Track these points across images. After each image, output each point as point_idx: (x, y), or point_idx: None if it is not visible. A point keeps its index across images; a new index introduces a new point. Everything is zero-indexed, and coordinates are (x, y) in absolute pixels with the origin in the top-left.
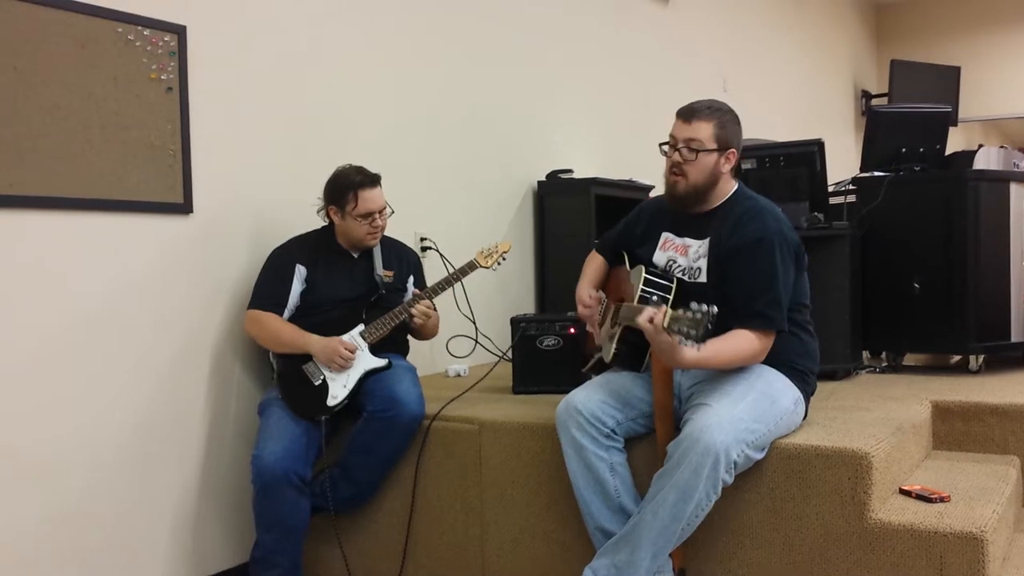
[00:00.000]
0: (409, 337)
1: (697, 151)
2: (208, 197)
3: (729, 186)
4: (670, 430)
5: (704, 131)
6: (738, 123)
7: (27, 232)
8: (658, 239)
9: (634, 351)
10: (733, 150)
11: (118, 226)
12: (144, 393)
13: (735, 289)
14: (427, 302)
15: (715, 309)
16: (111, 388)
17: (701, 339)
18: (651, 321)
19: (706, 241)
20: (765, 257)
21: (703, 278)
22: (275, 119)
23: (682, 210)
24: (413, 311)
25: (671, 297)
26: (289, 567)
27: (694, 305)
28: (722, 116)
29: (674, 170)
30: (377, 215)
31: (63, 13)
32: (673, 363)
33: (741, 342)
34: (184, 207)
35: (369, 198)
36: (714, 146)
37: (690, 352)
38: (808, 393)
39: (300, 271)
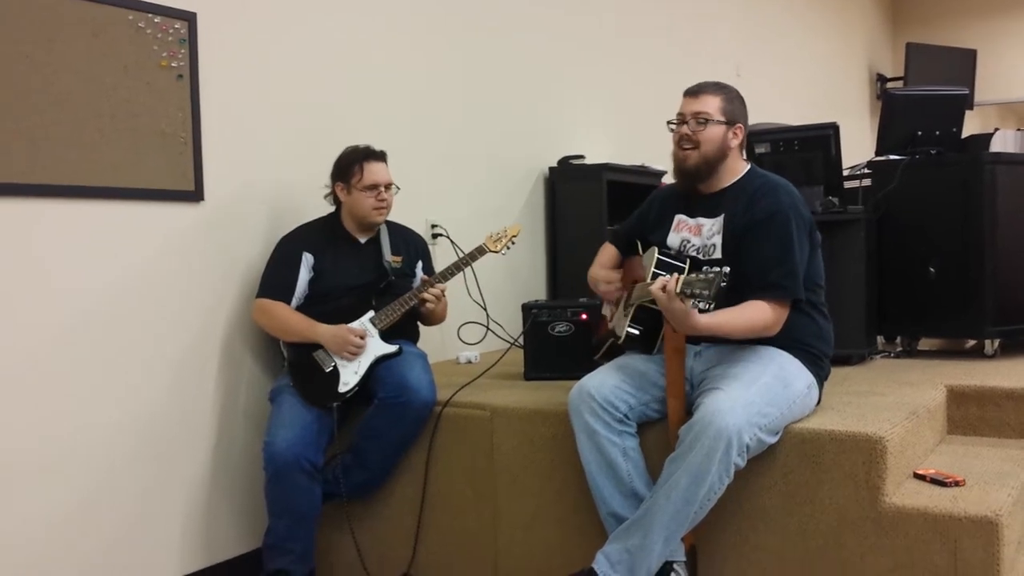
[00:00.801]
0: (418, 323)
1: (707, 120)
2: (219, 184)
3: (740, 165)
4: (682, 410)
5: (712, 104)
6: (743, 103)
7: (38, 221)
8: (671, 222)
9: (646, 332)
10: (740, 125)
11: (129, 214)
12: (156, 381)
13: (750, 263)
14: (442, 285)
15: (727, 269)
16: (123, 377)
17: (713, 298)
18: (664, 289)
19: (719, 218)
20: (780, 229)
21: (718, 254)
22: (286, 106)
23: (692, 186)
24: (424, 295)
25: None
26: (301, 553)
27: (706, 268)
28: (728, 92)
29: (683, 144)
30: (383, 189)
31: (74, 2)
32: (686, 329)
33: (756, 311)
34: (195, 195)
35: (375, 170)
36: (722, 118)
37: (703, 317)
38: (822, 377)
39: (307, 259)
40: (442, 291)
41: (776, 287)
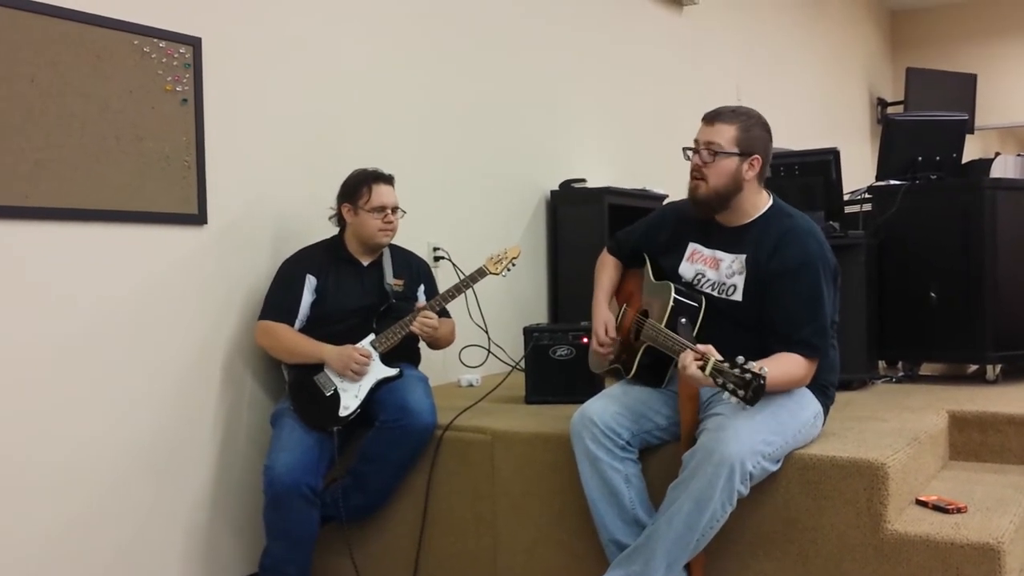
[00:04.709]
0: (422, 346)
1: (716, 153)
2: (222, 208)
3: (762, 200)
4: None
5: (725, 134)
6: (765, 130)
7: (42, 243)
8: (684, 249)
9: (655, 367)
10: (757, 156)
11: (132, 237)
12: (157, 403)
13: (778, 314)
14: (426, 313)
15: (766, 373)
16: (125, 398)
17: (750, 402)
18: (690, 366)
19: (741, 257)
20: (809, 283)
21: (738, 296)
22: (290, 130)
23: (706, 216)
24: (413, 327)
25: (699, 319)
26: None
27: (740, 360)
28: (746, 120)
29: (694, 173)
30: (390, 211)
31: (79, 25)
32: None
33: (792, 365)
34: (198, 218)
35: (383, 192)
36: (735, 150)
37: None
38: (827, 405)
39: (310, 281)
40: (434, 327)
41: (807, 345)
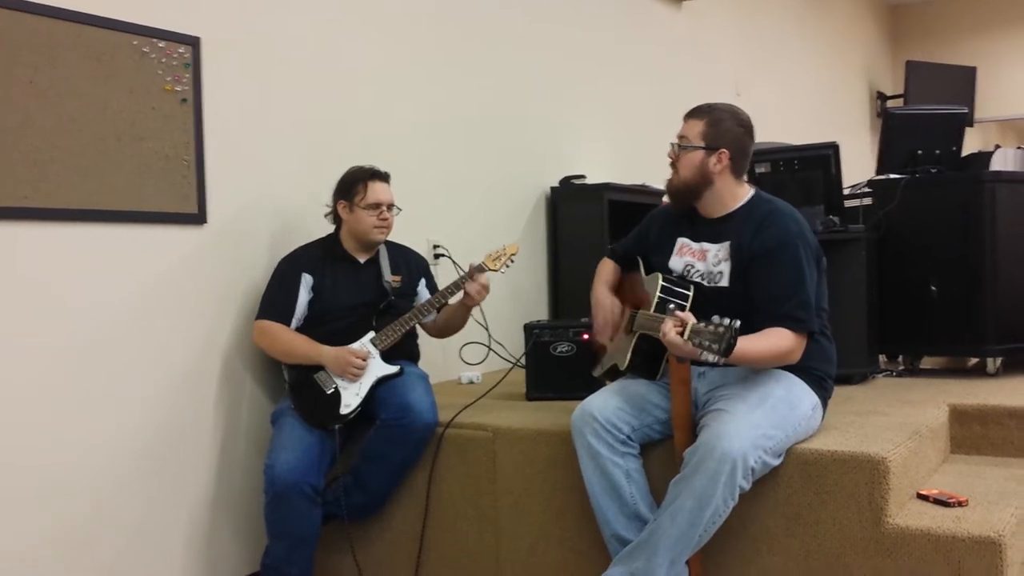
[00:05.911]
0: (420, 343)
1: (683, 147)
2: (222, 207)
3: (742, 191)
4: (688, 438)
5: (693, 128)
6: (741, 125)
7: (42, 244)
8: (673, 245)
9: (649, 359)
10: (724, 150)
11: (132, 237)
12: (157, 403)
13: (761, 294)
14: (477, 277)
15: (738, 323)
16: (124, 399)
17: (723, 353)
18: (668, 335)
19: (725, 245)
20: (790, 260)
21: (724, 282)
22: (289, 129)
23: (681, 207)
24: (467, 288)
25: (688, 305)
26: (299, 575)
27: (716, 318)
28: (717, 115)
29: (670, 166)
30: (385, 208)
31: (79, 26)
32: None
33: (777, 337)
34: (198, 217)
35: (379, 189)
36: (701, 143)
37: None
38: (825, 398)
39: (306, 280)
40: (486, 288)
41: (791, 319)
